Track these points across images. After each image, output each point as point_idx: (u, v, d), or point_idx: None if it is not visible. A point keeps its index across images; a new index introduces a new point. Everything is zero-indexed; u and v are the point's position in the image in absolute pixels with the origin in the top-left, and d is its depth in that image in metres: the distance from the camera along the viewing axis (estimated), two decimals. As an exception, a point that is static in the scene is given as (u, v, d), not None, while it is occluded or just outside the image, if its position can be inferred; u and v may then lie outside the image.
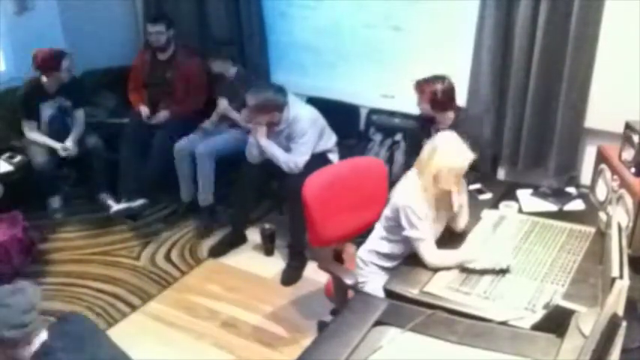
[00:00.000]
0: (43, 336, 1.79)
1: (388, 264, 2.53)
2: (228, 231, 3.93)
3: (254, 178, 3.74)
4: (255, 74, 4.13)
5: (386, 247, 2.53)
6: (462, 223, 2.56)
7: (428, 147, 2.40)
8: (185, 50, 4.27)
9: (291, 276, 3.56)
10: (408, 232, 2.37)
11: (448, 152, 2.33)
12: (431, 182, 2.35)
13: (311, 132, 3.51)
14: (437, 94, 3.04)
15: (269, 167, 3.75)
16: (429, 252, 2.35)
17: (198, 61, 4.26)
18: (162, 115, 4.24)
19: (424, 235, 2.35)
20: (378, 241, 2.56)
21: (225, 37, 4.29)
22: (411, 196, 2.38)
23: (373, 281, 2.50)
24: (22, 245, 3.64)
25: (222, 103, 4.12)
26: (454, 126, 3.04)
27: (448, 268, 2.31)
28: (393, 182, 2.88)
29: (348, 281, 2.44)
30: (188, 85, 4.24)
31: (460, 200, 2.47)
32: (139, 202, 4.05)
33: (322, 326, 2.78)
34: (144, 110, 4.24)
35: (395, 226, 2.45)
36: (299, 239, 3.53)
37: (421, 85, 3.10)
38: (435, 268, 2.32)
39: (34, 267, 3.68)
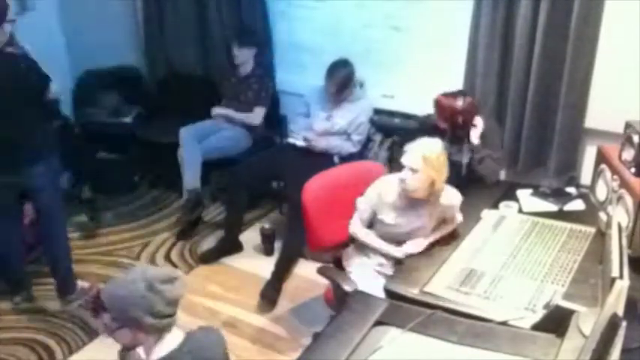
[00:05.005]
0: (176, 337, 1.76)
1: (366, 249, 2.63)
2: (221, 236, 3.86)
3: (246, 181, 3.72)
4: (268, 75, 4.12)
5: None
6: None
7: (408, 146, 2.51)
8: None
9: (270, 294, 3.37)
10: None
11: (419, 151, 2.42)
12: (404, 177, 2.44)
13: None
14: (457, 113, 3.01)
15: (267, 169, 3.74)
16: (354, 221, 2.63)
17: None
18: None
19: (362, 207, 2.59)
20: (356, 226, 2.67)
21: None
22: (385, 180, 2.58)
23: (358, 271, 2.58)
24: None
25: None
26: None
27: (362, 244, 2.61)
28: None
29: (348, 288, 2.43)
30: None
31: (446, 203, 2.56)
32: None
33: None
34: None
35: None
36: (286, 256, 3.47)
37: (440, 102, 3.05)
38: (351, 235, 2.63)
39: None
